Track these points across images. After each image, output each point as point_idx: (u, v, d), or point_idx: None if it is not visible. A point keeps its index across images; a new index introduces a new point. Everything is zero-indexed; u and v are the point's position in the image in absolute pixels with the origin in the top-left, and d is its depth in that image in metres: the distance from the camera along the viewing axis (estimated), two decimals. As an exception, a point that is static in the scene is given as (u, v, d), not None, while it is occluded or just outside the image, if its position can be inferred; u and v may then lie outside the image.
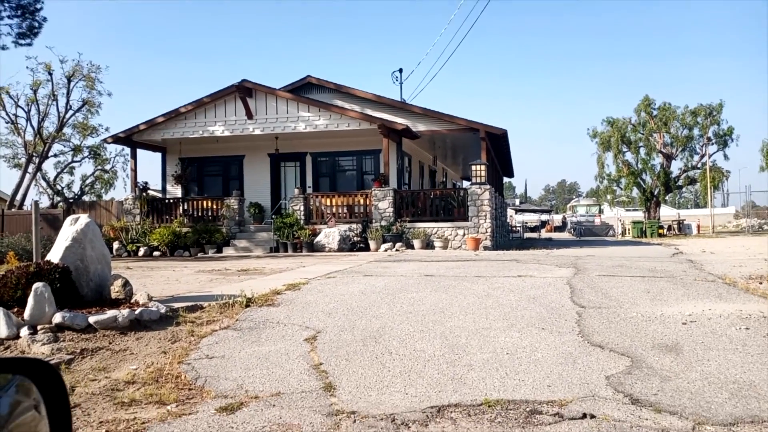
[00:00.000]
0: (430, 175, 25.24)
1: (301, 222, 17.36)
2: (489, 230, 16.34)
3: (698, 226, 35.36)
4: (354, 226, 17.35)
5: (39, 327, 4.93)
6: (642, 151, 39.74)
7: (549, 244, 22.83)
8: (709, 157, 37.27)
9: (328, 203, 17.87)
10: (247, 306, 6.06)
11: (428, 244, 16.53)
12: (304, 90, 20.42)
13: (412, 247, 16.33)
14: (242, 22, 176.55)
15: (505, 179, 39.31)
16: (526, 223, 54.58)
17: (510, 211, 49.33)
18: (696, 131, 38.21)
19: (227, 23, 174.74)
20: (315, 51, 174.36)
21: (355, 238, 17.30)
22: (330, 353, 4.40)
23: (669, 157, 38.57)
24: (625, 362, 4.05)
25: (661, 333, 4.83)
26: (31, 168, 27.48)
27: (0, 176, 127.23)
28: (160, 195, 22.27)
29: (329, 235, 16.40)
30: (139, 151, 20.38)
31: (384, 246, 15.91)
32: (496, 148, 21.89)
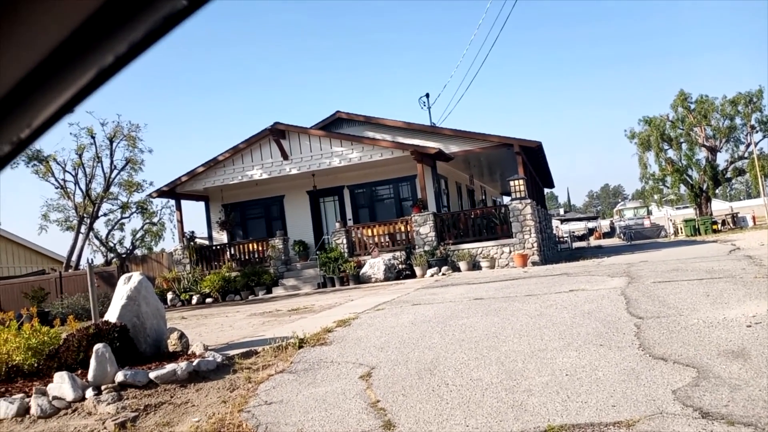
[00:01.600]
0: (469, 195, 25.13)
1: (345, 255, 17.50)
2: (535, 245, 16.10)
3: (754, 218, 33.90)
4: (397, 254, 17.37)
5: (103, 387, 5.12)
6: (684, 146, 38.60)
7: (599, 252, 22.28)
8: (756, 146, 35.83)
9: (370, 234, 17.98)
10: (300, 347, 6.13)
11: (474, 265, 16.39)
12: (334, 126, 20.79)
13: (458, 269, 16.21)
14: (269, 62, 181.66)
15: (546, 190, 38.79)
16: (573, 232, 53.38)
17: (555, 222, 48.45)
18: (738, 120, 36.91)
19: (253, 61, 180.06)
20: (341, 86, 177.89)
21: (400, 266, 17.29)
22: (386, 389, 4.40)
23: (713, 150, 37.33)
24: (690, 374, 3.91)
25: (725, 339, 4.65)
26: (83, 229, 28.71)
27: (55, 240, 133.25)
28: (207, 242, 22.86)
29: (374, 265, 16.47)
30: (183, 202, 21.06)
31: (430, 271, 15.86)
32: (532, 160, 21.68)
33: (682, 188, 39.87)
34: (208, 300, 17.97)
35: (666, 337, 4.88)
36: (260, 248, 19.20)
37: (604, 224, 62.26)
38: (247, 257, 19.38)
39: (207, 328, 9.54)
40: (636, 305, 6.48)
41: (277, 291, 17.51)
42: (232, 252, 19.64)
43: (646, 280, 8.62)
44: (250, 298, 17.23)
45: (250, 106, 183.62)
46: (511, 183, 16.84)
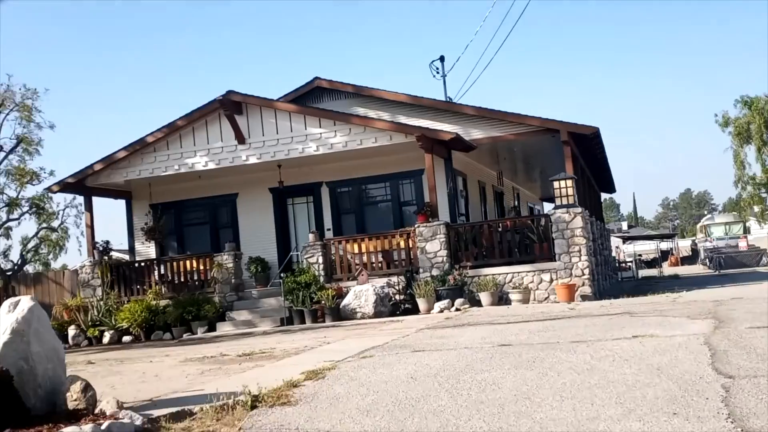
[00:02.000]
0: (496, 199, 25.23)
1: (321, 280, 17.51)
2: (586, 271, 16.16)
3: None
4: (394, 279, 17.38)
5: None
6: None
7: (675, 284, 22.33)
8: None
9: (356, 250, 18.01)
10: (253, 407, 6.10)
11: (501, 298, 16.41)
12: (311, 98, 20.87)
13: (478, 303, 16.22)
14: (232, 28, 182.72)
15: (604, 196, 38.90)
16: (640, 255, 53.59)
17: (615, 241, 48.59)
18: None
19: (211, 30, 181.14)
20: (323, 52, 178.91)
21: (397, 297, 17.28)
22: (372, 470, 4.37)
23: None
24: (800, 458, 3.90)
25: None
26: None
27: None
28: (127, 257, 22.79)
29: (360, 295, 16.47)
30: (97, 200, 21.07)
31: (439, 305, 15.87)
32: (585, 154, 21.77)
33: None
34: (127, 338, 17.93)
35: (767, 405, 4.88)
36: (202, 267, 19.20)
37: (684, 245, 62.55)
38: (183, 279, 19.35)
39: (123, 378, 9.47)
40: (725, 359, 6.47)
41: (224, 328, 17.47)
42: (163, 271, 19.63)
43: (740, 325, 8.62)
44: (186, 337, 17.20)
45: (195, 64, 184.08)
46: (555, 184, 16.90)
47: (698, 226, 63.78)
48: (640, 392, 5.52)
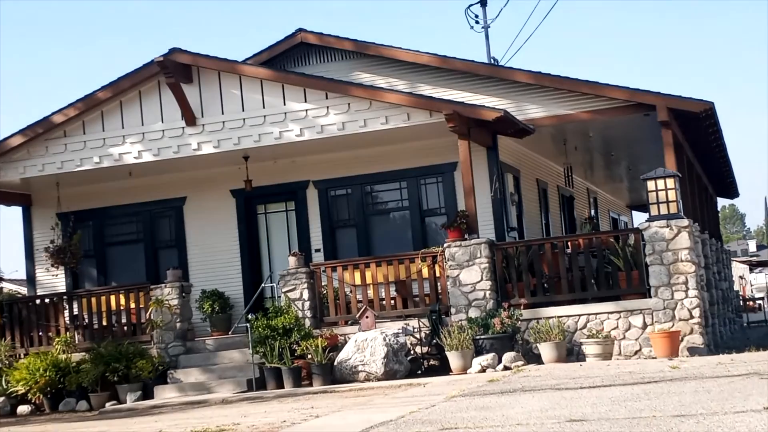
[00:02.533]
0: (563, 207, 25.17)
1: (307, 324, 17.50)
2: (696, 313, 16.06)
3: None
4: (414, 323, 17.33)
5: None
6: None
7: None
8: None
9: (358, 280, 17.98)
10: None
11: (571, 352, 16.32)
12: (294, 59, 20.96)
13: (537, 359, 16.15)
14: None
15: (722, 202, 38.51)
16: (775, 288, 53.18)
17: (739, 268, 48.23)
18: None
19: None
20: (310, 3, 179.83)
21: (419, 349, 17.20)
22: None
23: None
24: None
25: None
26: None
27: None
28: (24, 290, 22.80)
29: (365, 346, 16.41)
30: (-20, 208, 21.04)
31: (479, 361, 15.80)
32: (694, 143, 21.73)
33: None
34: (24, 409, 17.95)
35: None
36: (133, 305, 19.21)
37: (840, 275, 62.05)
38: (105, 323, 19.37)
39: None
40: None
41: (166, 394, 17.45)
42: (77, 311, 19.66)
43: None
44: (110, 407, 17.19)
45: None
46: (650, 185, 16.84)
47: None
48: (776, 491, 5.46)
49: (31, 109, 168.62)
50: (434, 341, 16.90)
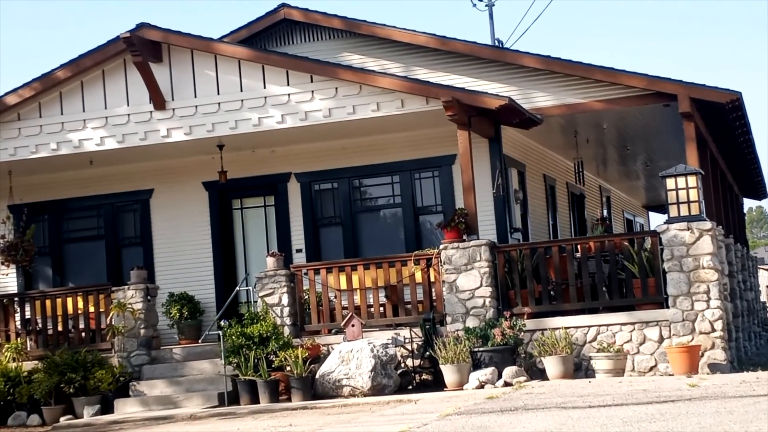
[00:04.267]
0: (572, 206, 25.22)
1: (286, 332, 17.50)
2: (718, 325, 16.08)
3: None
4: (405, 333, 17.34)
5: None
6: None
7: None
8: None
9: (344, 285, 17.97)
10: None
11: (579, 367, 16.32)
12: (275, 37, 21.01)
13: (541, 374, 16.17)
14: None
15: (749, 204, 38.59)
16: (806, 299, 53.31)
17: (765, 276, 48.35)
18: None
19: None
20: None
21: (410, 362, 17.20)
22: None
23: None
24: None
25: None
26: None
27: None
28: (-30, 290, 22.70)
29: (350, 357, 16.40)
30: None
31: (476, 375, 15.80)
32: (719, 137, 21.79)
33: None
34: (-32, 422, 17.81)
35: None
36: (93, 309, 19.16)
37: None
38: (61, 328, 19.32)
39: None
40: None
41: (127, 408, 17.42)
42: (29, 314, 19.62)
43: None
44: (64, 421, 17.14)
45: None
46: (669, 183, 16.84)
47: None
48: None
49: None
50: (427, 353, 16.85)
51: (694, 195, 16.67)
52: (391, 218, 20.22)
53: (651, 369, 16.22)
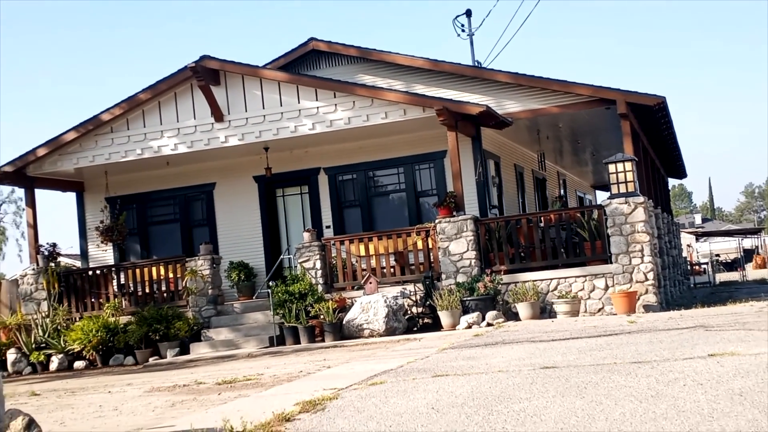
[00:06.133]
0: (537, 188, 25.20)
1: (319, 289, 17.56)
2: (650, 276, 16.13)
3: None
4: (410, 287, 17.41)
5: None
6: None
7: (762, 290, 22.23)
8: None
9: (363, 252, 18.08)
10: (235, 447, 6.11)
11: (544, 310, 16.41)
12: (306, 64, 20.97)
13: (515, 316, 16.24)
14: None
15: (672, 182, 38.84)
16: (717, 255, 53.36)
17: (686, 238, 48.50)
18: None
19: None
20: (319, 11, 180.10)
21: (414, 309, 17.30)
22: None
23: None
24: None
25: None
26: None
27: None
28: (78, 263, 22.88)
29: (368, 307, 16.48)
30: (41, 193, 21.23)
31: (466, 319, 15.87)
32: (649, 131, 21.73)
33: None
34: (80, 364, 18.03)
35: None
36: (171, 275, 19.31)
37: (773, 242, 62.12)
38: (148, 290, 19.47)
39: (76, 412, 9.51)
40: (825, 383, 6.42)
41: (200, 350, 17.54)
42: (123, 281, 19.76)
43: (844, 340, 8.57)
44: (153, 361, 17.28)
45: (170, 32, 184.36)
46: (611, 168, 16.88)
47: (791, 218, 63.38)
48: (719, 424, 5.49)
49: (91, 108, 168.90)
50: (428, 303, 17.01)
51: (630, 177, 16.75)
52: (398, 200, 20.25)
53: (599, 310, 16.32)
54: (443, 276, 17.24)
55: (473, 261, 17.10)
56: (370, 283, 17.19)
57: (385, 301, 16.52)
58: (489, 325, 15.61)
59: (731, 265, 51.70)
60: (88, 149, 19.73)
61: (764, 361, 7.62)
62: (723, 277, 40.05)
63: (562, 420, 6.05)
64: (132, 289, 19.66)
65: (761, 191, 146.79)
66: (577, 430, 5.74)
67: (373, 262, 18.00)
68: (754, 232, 62.37)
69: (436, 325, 16.56)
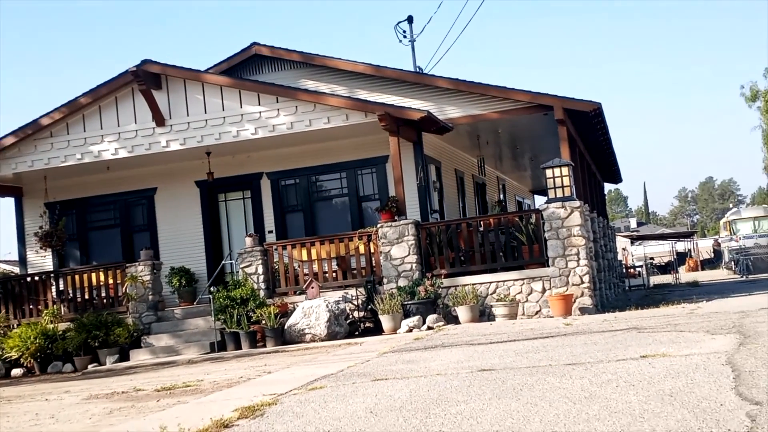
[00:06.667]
0: (477, 193, 25.35)
1: (261, 294, 17.46)
2: (586, 279, 16.31)
3: None
4: (352, 292, 17.39)
5: None
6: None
7: (693, 292, 22.64)
8: None
9: (305, 257, 18.00)
10: (172, 454, 6.04)
11: (483, 313, 16.49)
12: (249, 69, 20.85)
13: (455, 320, 16.28)
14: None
15: (608, 187, 39.37)
16: (652, 258, 54.25)
17: (622, 242, 49.17)
18: None
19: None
20: (261, 17, 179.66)
21: (356, 314, 17.27)
22: None
23: None
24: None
25: None
26: None
27: None
28: (16, 270, 22.44)
29: (310, 312, 16.41)
30: (-23, 199, 20.68)
31: (407, 323, 15.89)
32: (585, 137, 21.99)
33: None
34: (17, 372, 17.76)
35: (799, 437, 4.94)
36: (111, 281, 19.07)
37: (704, 246, 63.49)
38: (87, 296, 19.21)
39: (11, 421, 9.33)
40: (751, 382, 6.54)
41: (140, 356, 17.33)
42: (62, 287, 19.45)
43: (770, 340, 8.76)
44: (92, 368, 17.05)
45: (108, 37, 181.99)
46: (548, 173, 17.03)
47: (722, 222, 64.73)
48: (649, 424, 5.56)
49: (25, 115, 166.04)
50: (369, 307, 16.99)
51: (566, 181, 16.90)
52: (341, 205, 20.24)
53: (536, 313, 16.45)
54: (385, 280, 17.24)
55: (414, 265, 17.13)
56: (312, 287, 17.13)
57: (327, 306, 16.46)
58: (429, 328, 15.63)
59: (665, 268, 52.63)
60: (26, 154, 19.41)
61: (694, 362, 7.77)
62: (657, 279, 40.71)
63: (497, 422, 6.09)
64: (71, 295, 19.34)
65: (694, 195, 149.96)
66: (512, 431, 5.78)
67: (315, 266, 17.93)
68: (687, 235, 63.62)
69: (377, 329, 16.54)
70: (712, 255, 58.98)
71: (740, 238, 47.09)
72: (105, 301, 19.10)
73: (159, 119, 18.58)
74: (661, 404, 6.11)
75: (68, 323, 18.37)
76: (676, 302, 17.44)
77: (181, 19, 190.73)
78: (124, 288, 18.67)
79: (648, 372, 7.46)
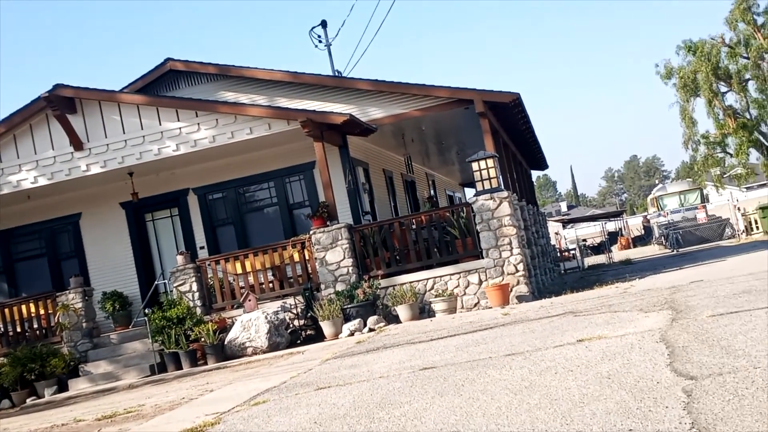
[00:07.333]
0: (407, 191, 25.47)
1: (198, 312, 17.31)
2: (520, 267, 16.48)
3: None
4: (290, 301, 17.33)
5: None
6: (752, 86, 40.65)
7: (626, 271, 23.09)
8: None
9: (240, 270, 17.87)
10: (115, 485, 5.93)
11: (423, 310, 16.55)
12: (165, 85, 20.66)
13: (395, 319, 16.33)
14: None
15: (536, 174, 39.91)
16: (584, 240, 55.23)
17: (554, 226, 49.92)
18: None
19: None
20: (177, 33, 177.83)
21: (297, 322, 17.21)
22: None
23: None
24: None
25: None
26: None
27: None
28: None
29: (249, 325, 16.29)
30: None
31: (348, 327, 15.86)
32: (508, 128, 22.23)
33: (754, 154, 41.86)
34: (-49, 413, 17.18)
35: (735, 410, 5.05)
36: (43, 312, 18.76)
37: (634, 223, 64.83)
38: (19, 329, 18.84)
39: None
40: (685, 357, 6.70)
41: (79, 385, 17.03)
42: (-9, 322, 18.94)
43: (701, 314, 8.97)
44: (30, 402, 16.68)
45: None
46: (474, 166, 17.16)
47: (649, 198, 66.26)
48: (589, 409, 5.64)
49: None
50: (309, 314, 16.90)
51: (493, 173, 17.06)
52: (272, 214, 20.14)
53: (475, 305, 16.57)
54: (322, 286, 17.19)
55: (350, 268, 17.12)
56: (249, 300, 17.00)
57: (266, 317, 16.35)
58: (371, 330, 15.64)
59: (598, 248, 53.60)
60: (-59, 189, 18.90)
61: (629, 342, 7.91)
62: (591, 260, 41.41)
63: (441, 420, 6.12)
64: (2, 329, 18.90)
65: (620, 175, 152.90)
66: (456, 428, 5.81)
67: (251, 279, 17.79)
68: (617, 215, 64.88)
69: (319, 336, 16.47)
70: (643, 232, 60.28)
71: (668, 213, 48.21)
72: (38, 332, 18.71)
73: (77, 143, 18.23)
74: (600, 387, 6.21)
75: (2, 358, 17.93)
76: (610, 282, 17.78)
77: (94, 40, 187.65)
78: (56, 318, 18.32)
79: (585, 356, 7.57)
